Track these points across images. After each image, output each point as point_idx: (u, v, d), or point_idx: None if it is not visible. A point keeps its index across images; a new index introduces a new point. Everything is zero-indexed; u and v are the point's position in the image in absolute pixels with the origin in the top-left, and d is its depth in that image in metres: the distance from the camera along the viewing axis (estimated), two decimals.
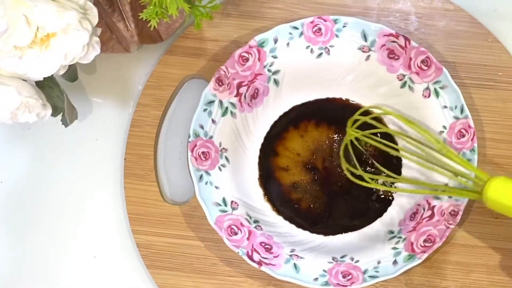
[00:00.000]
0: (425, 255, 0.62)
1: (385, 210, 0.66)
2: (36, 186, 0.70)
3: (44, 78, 0.53)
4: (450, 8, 0.68)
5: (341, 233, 0.66)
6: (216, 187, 0.65)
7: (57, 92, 0.59)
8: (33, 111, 0.53)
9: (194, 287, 0.66)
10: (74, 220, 0.69)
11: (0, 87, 0.50)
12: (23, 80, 0.53)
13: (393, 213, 0.66)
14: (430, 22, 0.68)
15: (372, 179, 0.64)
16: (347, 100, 0.68)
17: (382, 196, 0.66)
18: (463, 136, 0.64)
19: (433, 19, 0.68)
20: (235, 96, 0.66)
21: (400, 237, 0.64)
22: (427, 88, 0.65)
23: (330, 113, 0.68)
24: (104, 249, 0.69)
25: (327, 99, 0.68)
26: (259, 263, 0.63)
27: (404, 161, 0.66)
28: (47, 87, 0.57)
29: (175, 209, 0.67)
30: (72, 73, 0.61)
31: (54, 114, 0.59)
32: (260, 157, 0.68)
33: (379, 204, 0.66)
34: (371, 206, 0.66)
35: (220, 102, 0.65)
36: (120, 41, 0.67)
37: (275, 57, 0.66)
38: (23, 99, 0.51)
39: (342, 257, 0.64)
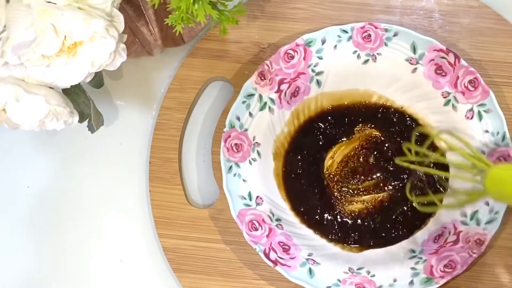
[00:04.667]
0: (443, 281, 0.61)
1: (411, 234, 0.65)
2: (62, 190, 0.70)
3: (71, 85, 0.53)
4: (475, 4, 0.67)
5: (359, 247, 0.65)
6: (244, 180, 0.65)
7: (83, 99, 0.59)
8: (61, 119, 0.53)
9: None
10: (100, 224, 0.70)
11: (29, 96, 0.50)
12: (50, 88, 0.53)
13: (417, 232, 0.65)
14: (454, 20, 0.67)
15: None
16: (387, 106, 0.66)
17: (408, 219, 0.65)
18: None
19: (457, 16, 0.67)
20: (276, 92, 0.65)
21: (421, 258, 0.63)
22: (471, 110, 0.63)
23: (368, 118, 0.67)
24: (130, 252, 0.69)
25: (366, 104, 0.67)
26: (275, 262, 0.63)
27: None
28: (73, 94, 0.57)
29: (201, 212, 0.67)
30: (98, 79, 0.61)
31: (80, 120, 0.59)
32: (288, 155, 0.67)
33: (405, 227, 0.65)
34: (397, 227, 0.65)
35: (260, 96, 0.65)
36: (143, 45, 0.66)
37: (320, 58, 0.65)
38: (51, 107, 0.52)
39: (358, 269, 0.63)
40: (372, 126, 0.67)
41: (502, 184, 0.55)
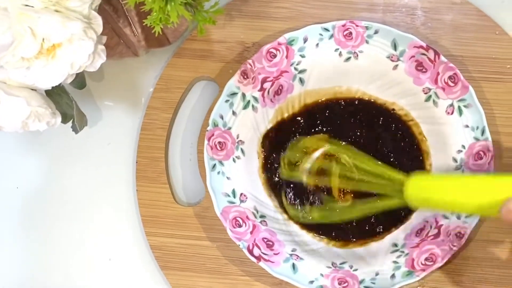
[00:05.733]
0: (424, 274, 0.62)
1: (394, 228, 0.65)
2: (51, 191, 0.71)
3: (53, 86, 0.54)
4: (457, 1, 0.67)
5: (343, 243, 0.66)
6: (228, 178, 0.65)
7: (66, 100, 0.60)
8: (43, 120, 0.54)
9: (207, 287, 0.67)
10: (88, 224, 0.70)
11: (10, 98, 0.51)
12: (32, 89, 0.54)
13: (400, 227, 0.65)
14: (436, 16, 0.68)
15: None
16: (372, 101, 0.67)
17: (391, 214, 0.65)
18: (481, 158, 0.63)
19: (440, 13, 0.68)
20: (259, 91, 0.66)
21: (403, 252, 0.63)
22: (451, 105, 0.64)
23: (351, 115, 0.67)
24: (118, 251, 0.70)
25: (349, 101, 0.67)
26: (258, 258, 0.63)
27: None
28: (56, 95, 0.58)
29: (187, 210, 0.68)
30: (80, 80, 0.62)
31: (64, 121, 0.60)
32: (272, 152, 0.67)
33: (388, 221, 0.65)
34: (380, 222, 0.66)
35: (243, 95, 0.66)
36: (128, 46, 0.67)
37: (303, 56, 0.66)
38: (32, 109, 0.52)
39: (341, 263, 0.64)
40: (355, 122, 0.67)
41: (421, 192, 0.58)
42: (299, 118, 0.67)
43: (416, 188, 0.58)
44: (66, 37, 0.49)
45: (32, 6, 0.49)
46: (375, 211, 0.64)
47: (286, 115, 0.67)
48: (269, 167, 0.67)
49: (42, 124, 0.54)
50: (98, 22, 0.52)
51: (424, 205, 0.60)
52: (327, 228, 0.66)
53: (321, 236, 0.66)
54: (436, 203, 0.57)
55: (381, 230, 0.66)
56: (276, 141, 0.67)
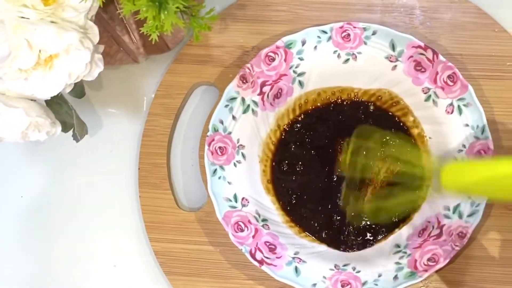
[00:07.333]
0: (427, 274, 0.61)
1: (397, 229, 0.65)
2: (55, 199, 0.72)
3: (52, 96, 0.54)
4: None
5: (346, 247, 0.65)
6: (229, 183, 0.66)
7: (66, 109, 0.60)
8: (42, 130, 0.54)
9: None
10: (92, 231, 0.71)
11: (9, 109, 0.52)
12: (31, 100, 0.54)
13: (403, 228, 0.65)
14: (435, 15, 0.67)
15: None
16: (371, 102, 0.67)
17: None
18: (482, 157, 0.63)
19: (438, 12, 0.67)
20: (258, 95, 0.66)
21: (405, 253, 0.63)
22: (451, 104, 0.64)
23: (352, 116, 0.67)
24: (123, 258, 0.70)
25: (350, 102, 0.67)
26: (261, 262, 0.63)
27: None
28: (55, 104, 0.59)
29: (190, 216, 0.68)
30: (79, 89, 0.62)
31: (64, 130, 0.61)
32: (275, 156, 0.67)
33: (390, 223, 0.65)
34: (382, 225, 0.65)
35: (243, 99, 0.66)
36: (127, 53, 0.68)
37: (301, 59, 0.66)
38: (31, 119, 0.53)
39: (344, 265, 0.64)
40: (355, 123, 0.67)
41: (457, 177, 0.56)
42: (299, 121, 0.68)
43: (455, 174, 0.57)
44: (62, 47, 0.50)
45: (28, 18, 0.49)
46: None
47: (286, 118, 0.68)
48: (278, 170, 0.67)
49: (42, 134, 0.55)
50: (94, 31, 0.52)
51: (465, 192, 0.59)
52: (328, 232, 0.66)
53: (321, 240, 0.66)
54: (481, 190, 0.56)
55: (383, 233, 0.65)
56: (279, 144, 0.68)
